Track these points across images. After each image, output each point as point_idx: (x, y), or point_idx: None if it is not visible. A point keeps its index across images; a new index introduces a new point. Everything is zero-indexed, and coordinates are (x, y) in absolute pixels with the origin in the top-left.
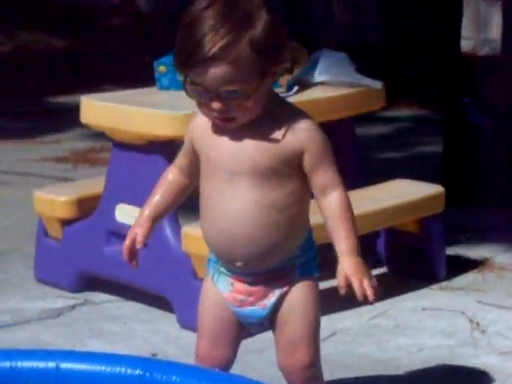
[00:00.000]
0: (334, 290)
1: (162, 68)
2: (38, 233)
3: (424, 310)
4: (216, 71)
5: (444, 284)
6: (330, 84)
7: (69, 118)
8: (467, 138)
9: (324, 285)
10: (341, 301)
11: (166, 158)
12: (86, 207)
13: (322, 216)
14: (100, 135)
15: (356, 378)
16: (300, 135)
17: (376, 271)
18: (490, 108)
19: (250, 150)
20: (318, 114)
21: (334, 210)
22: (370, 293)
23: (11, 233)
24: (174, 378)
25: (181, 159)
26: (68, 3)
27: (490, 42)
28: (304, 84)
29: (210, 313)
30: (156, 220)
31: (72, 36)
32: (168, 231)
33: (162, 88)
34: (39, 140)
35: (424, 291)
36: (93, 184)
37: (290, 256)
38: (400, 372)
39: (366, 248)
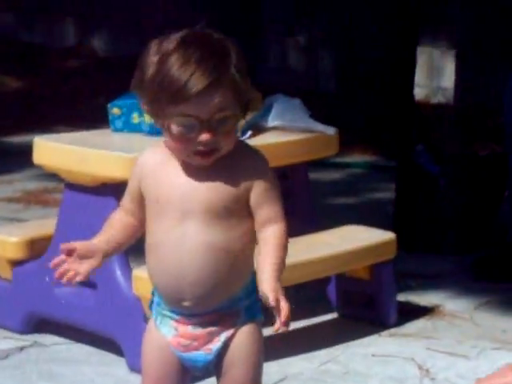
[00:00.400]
0: (284, 334)
1: (115, 110)
2: None
3: (373, 356)
4: (211, 99)
5: (394, 330)
6: (284, 129)
7: (21, 158)
8: (419, 185)
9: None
10: (291, 346)
11: (118, 199)
12: (37, 248)
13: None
14: (52, 176)
15: None
16: (250, 172)
17: (327, 316)
18: (443, 156)
19: (203, 188)
20: (271, 158)
21: (269, 239)
22: (283, 313)
23: None
24: None
25: (128, 204)
26: (23, 41)
27: (443, 91)
28: (258, 129)
29: (154, 356)
30: (107, 255)
31: (26, 76)
32: (118, 274)
33: (116, 130)
34: None
35: (374, 337)
36: (44, 225)
37: (236, 297)
38: None
39: (317, 293)
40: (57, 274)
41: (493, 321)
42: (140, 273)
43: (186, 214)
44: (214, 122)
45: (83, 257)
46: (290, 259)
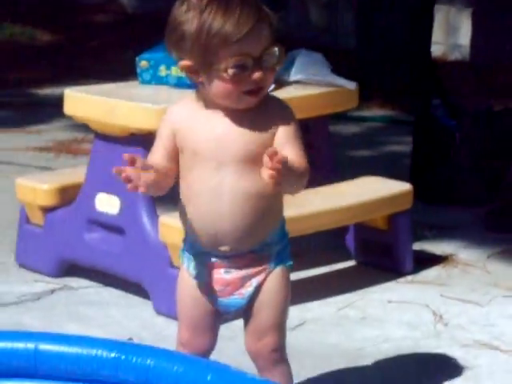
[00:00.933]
0: (305, 280)
1: (143, 63)
2: (19, 220)
3: (390, 302)
4: (260, 37)
5: (410, 278)
6: (306, 83)
7: (52, 109)
8: (435, 139)
9: (294, 275)
10: (310, 291)
11: (146, 149)
12: (68, 196)
13: None
14: (82, 127)
15: (323, 367)
16: (276, 119)
17: (345, 264)
18: (459, 110)
19: (238, 136)
20: (297, 111)
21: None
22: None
23: None
24: (148, 361)
25: (159, 160)
26: None
27: (459, 48)
28: (280, 82)
29: (189, 303)
30: (159, 178)
31: (57, 30)
32: (145, 220)
33: (144, 82)
34: (22, 130)
35: (391, 284)
36: (74, 173)
37: (268, 241)
38: (366, 362)
39: (336, 242)
40: (123, 178)
41: (504, 270)
42: (167, 220)
43: (222, 163)
44: (264, 60)
45: (143, 168)
46: (311, 208)
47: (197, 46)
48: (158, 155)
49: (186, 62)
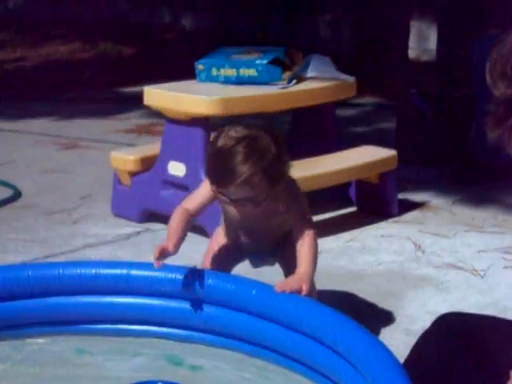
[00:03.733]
0: (319, 221)
1: (200, 66)
2: (114, 181)
3: (382, 236)
4: (240, 191)
5: (396, 219)
6: (318, 78)
7: (135, 102)
8: (412, 118)
9: (313, 219)
10: (323, 229)
11: (203, 129)
12: (148, 163)
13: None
14: (157, 114)
15: (335, 283)
16: (286, 196)
17: (349, 209)
18: (429, 97)
19: (259, 220)
20: (310, 99)
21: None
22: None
23: (95, 181)
24: (208, 280)
25: (195, 209)
26: (133, 21)
27: (428, 51)
28: (300, 78)
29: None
30: (179, 246)
31: (137, 46)
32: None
33: (201, 81)
34: (113, 118)
35: (382, 223)
36: (152, 148)
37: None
38: (365, 279)
39: (342, 193)
40: (154, 264)
41: (465, 211)
42: None
43: (249, 229)
44: (240, 201)
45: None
46: (323, 169)
47: (211, 174)
48: (195, 204)
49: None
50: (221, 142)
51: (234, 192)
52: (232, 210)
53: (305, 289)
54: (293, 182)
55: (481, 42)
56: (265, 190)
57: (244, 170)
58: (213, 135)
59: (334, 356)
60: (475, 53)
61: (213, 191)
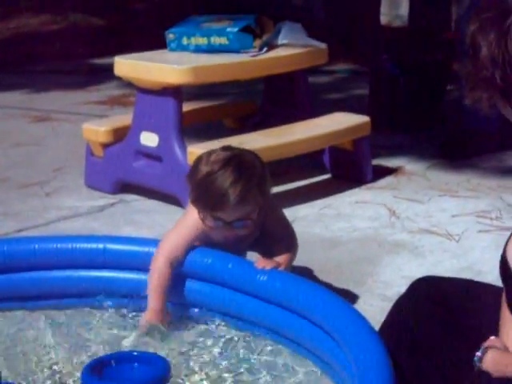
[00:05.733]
0: (293, 189)
1: (171, 35)
2: (86, 153)
3: (357, 202)
4: (237, 211)
5: (370, 185)
6: (290, 45)
7: (106, 73)
8: (385, 84)
9: (286, 187)
10: (298, 197)
11: (175, 98)
12: (120, 134)
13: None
14: (128, 85)
15: (311, 251)
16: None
17: (323, 177)
18: (401, 62)
19: (243, 238)
20: (281, 66)
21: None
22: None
23: (68, 154)
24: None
25: (181, 253)
26: None
27: (400, 17)
28: (271, 45)
29: None
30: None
31: (107, 16)
32: (177, 150)
33: (171, 50)
34: (85, 90)
35: (356, 190)
36: (124, 119)
37: None
38: (341, 246)
39: (316, 161)
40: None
41: (438, 177)
42: (193, 149)
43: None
44: (234, 223)
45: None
46: (297, 136)
47: (195, 192)
48: (182, 250)
49: (189, 195)
50: (206, 169)
51: (231, 213)
52: (216, 235)
53: (283, 267)
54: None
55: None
56: (258, 204)
57: (239, 188)
58: (187, 106)
59: (307, 325)
60: (463, 19)
61: (202, 219)
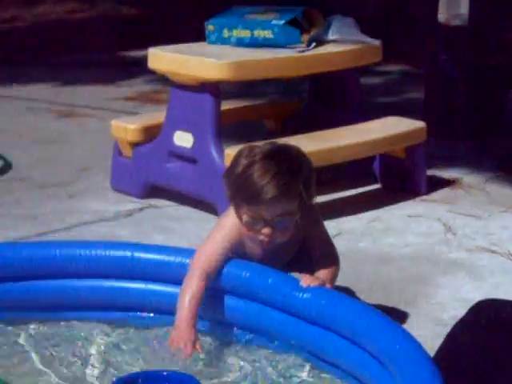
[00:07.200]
0: (340, 200)
1: (210, 27)
2: (114, 153)
3: (409, 216)
4: (277, 206)
5: (424, 197)
6: (341, 41)
7: (137, 67)
8: (443, 87)
9: (332, 196)
10: (345, 208)
11: (213, 95)
12: (151, 133)
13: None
14: (161, 81)
15: (357, 268)
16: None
17: (373, 187)
18: (461, 64)
19: (280, 251)
20: (331, 64)
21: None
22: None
23: (94, 153)
24: None
25: (218, 263)
26: None
27: (460, 16)
28: (320, 41)
29: None
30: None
31: (140, 5)
32: (214, 152)
33: (211, 42)
34: (114, 84)
35: (409, 202)
36: (156, 116)
37: None
38: (390, 263)
39: (365, 169)
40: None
41: (500, 191)
42: (231, 151)
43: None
44: (274, 222)
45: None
46: (344, 141)
47: (233, 187)
48: (219, 259)
49: (227, 191)
50: (246, 161)
51: (271, 208)
52: (253, 248)
53: (328, 286)
54: (312, 206)
55: None
56: (302, 203)
57: (282, 180)
58: (225, 104)
59: (357, 350)
60: None
61: (240, 217)
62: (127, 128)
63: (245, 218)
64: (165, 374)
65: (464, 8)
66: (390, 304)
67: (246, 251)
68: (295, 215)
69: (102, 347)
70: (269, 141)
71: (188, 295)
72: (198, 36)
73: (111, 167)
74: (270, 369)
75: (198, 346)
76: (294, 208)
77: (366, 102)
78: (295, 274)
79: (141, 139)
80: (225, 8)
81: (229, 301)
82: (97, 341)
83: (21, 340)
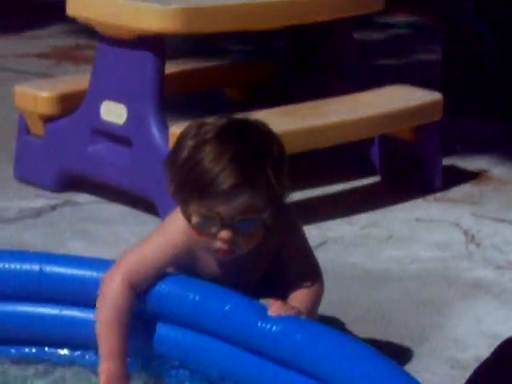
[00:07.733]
0: (325, 197)
1: None
2: (18, 130)
3: (418, 221)
4: (239, 200)
5: (439, 195)
6: None
7: (51, 13)
8: (467, 47)
9: (314, 192)
10: (331, 209)
11: (156, 52)
12: (70, 104)
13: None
14: (85, 32)
15: (344, 289)
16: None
17: (369, 180)
18: (492, 15)
19: (247, 271)
20: (314, 13)
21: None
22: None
23: None
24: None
25: (147, 277)
26: None
27: None
28: None
29: None
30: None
31: None
32: (155, 131)
33: None
34: (21, 35)
35: (418, 202)
36: (77, 80)
37: None
38: (391, 284)
39: (359, 155)
40: None
41: None
42: (178, 129)
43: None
44: (235, 223)
45: None
46: (332, 118)
47: (177, 178)
48: (152, 272)
49: (169, 186)
50: (192, 142)
51: (232, 202)
52: (206, 260)
53: (304, 315)
54: (287, 207)
55: None
56: (273, 196)
57: (243, 164)
58: (171, 66)
59: None
60: None
61: (188, 218)
62: (37, 96)
63: (195, 218)
64: None
65: None
66: (389, 339)
67: (197, 266)
68: (263, 213)
69: None
70: (225, 115)
71: (107, 315)
72: None
73: (15, 150)
74: None
75: None
76: (260, 203)
77: (362, 64)
78: (262, 300)
79: (56, 112)
80: None
81: (166, 331)
82: None
83: None
